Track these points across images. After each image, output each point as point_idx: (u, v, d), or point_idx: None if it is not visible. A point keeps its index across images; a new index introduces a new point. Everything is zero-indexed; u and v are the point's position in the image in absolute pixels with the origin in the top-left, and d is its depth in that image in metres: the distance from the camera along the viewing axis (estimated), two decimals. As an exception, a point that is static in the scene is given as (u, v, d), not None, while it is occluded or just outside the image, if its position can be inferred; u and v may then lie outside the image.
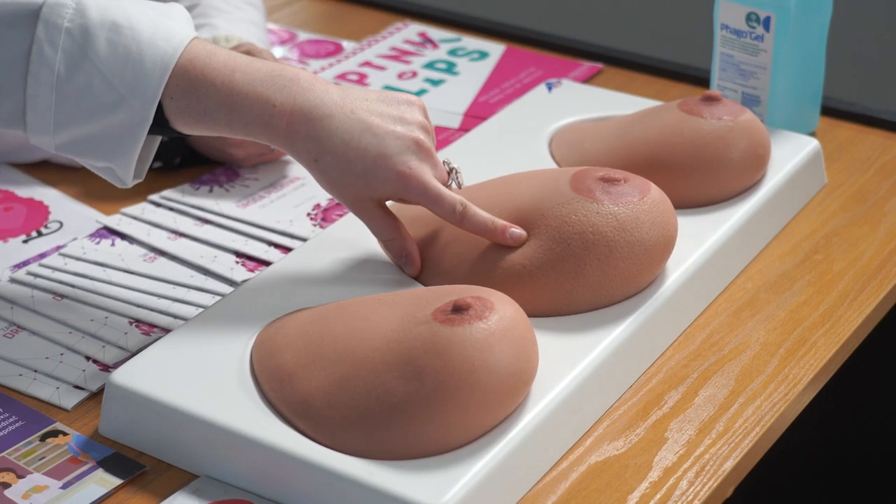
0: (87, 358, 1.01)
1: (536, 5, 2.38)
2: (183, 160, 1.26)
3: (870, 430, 1.39)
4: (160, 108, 0.93)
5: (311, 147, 0.94)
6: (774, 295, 1.07)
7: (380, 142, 0.95)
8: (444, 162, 1.00)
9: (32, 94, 0.91)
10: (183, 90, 0.93)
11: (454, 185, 1.00)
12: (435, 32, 1.55)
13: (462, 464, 0.84)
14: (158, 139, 0.99)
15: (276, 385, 0.89)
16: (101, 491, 0.88)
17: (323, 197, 1.21)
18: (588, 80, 1.43)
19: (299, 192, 1.23)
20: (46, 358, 1.01)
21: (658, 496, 0.87)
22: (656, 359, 1.00)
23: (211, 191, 1.23)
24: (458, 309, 0.86)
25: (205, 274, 1.11)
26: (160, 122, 0.94)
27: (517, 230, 0.98)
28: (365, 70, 1.46)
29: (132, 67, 0.92)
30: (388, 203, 0.99)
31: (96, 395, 0.97)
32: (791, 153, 1.18)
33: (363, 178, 0.95)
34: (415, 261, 1.00)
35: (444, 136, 1.31)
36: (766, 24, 1.22)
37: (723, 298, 1.07)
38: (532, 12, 2.36)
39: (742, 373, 0.99)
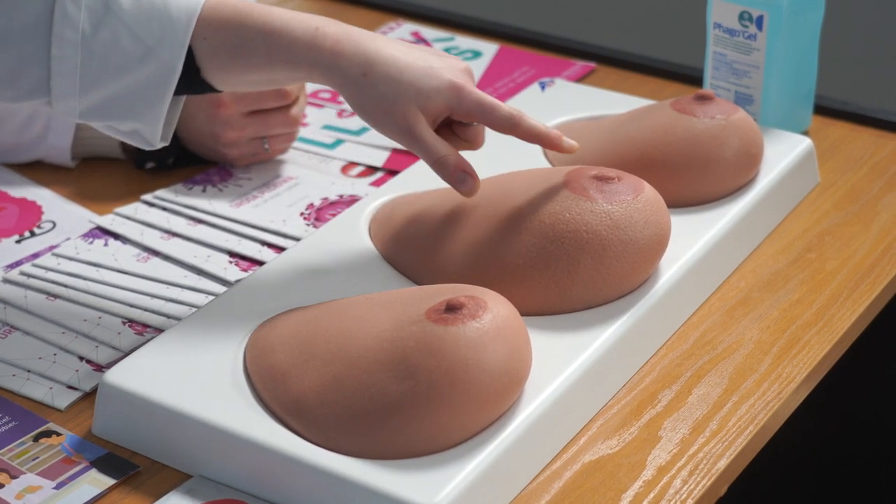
0: (81, 358, 1.01)
1: (529, 5, 2.38)
2: (176, 160, 1.26)
3: (863, 429, 1.39)
4: (191, 56, 0.92)
5: (360, 60, 0.94)
6: (768, 293, 1.07)
7: (426, 58, 0.95)
8: None
9: (58, 56, 0.90)
10: (216, 28, 0.92)
11: None
12: (428, 32, 1.55)
13: (456, 463, 0.84)
14: (182, 100, 0.98)
15: (269, 384, 0.89)
16: (95, 491, 0.88)
17: (316, 196, 1.21)
18: (581, 79, 1.43)
19: (292, 191, 1.22)
20: (40, 358, 1.01)
21: (652, 495, 0.87)
22: (650, 357, 1.00)
23: (204, 190, 1.22)
24: (452, 308, 0.86)
25: (198, 274, 1.11)
26: (189, 75, 0.93)
27: (571, 140, 0.98)
28: (358, 69, 1.45)
29: (158, 18, 0.91)
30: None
31: (90, 396, 0.97)
32: (784, 152, 1.18)
33: (415, 87, 0.94)
34: (473, 175, 0.97)
35: (438, 136, 1.30)
36: (759, 22, 1.22)
37: (716, 297, 1.07)
38: (525, 12, 2.36)
39: (735, 371, 0.99)
